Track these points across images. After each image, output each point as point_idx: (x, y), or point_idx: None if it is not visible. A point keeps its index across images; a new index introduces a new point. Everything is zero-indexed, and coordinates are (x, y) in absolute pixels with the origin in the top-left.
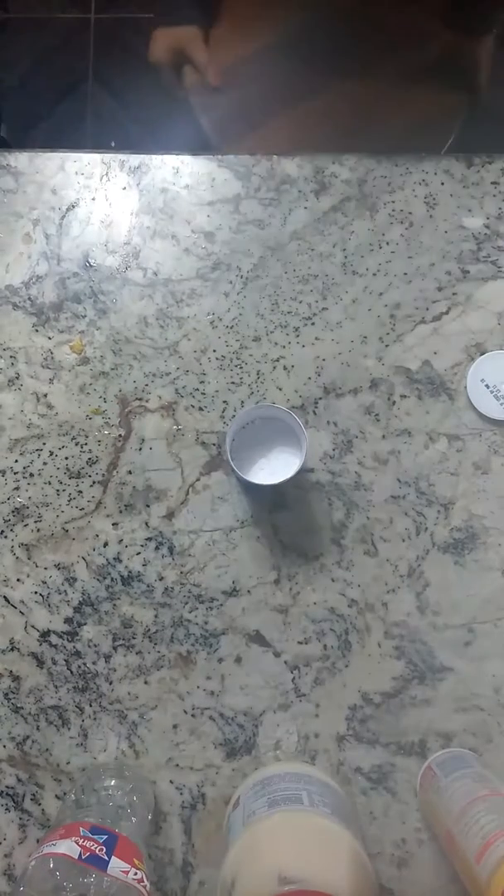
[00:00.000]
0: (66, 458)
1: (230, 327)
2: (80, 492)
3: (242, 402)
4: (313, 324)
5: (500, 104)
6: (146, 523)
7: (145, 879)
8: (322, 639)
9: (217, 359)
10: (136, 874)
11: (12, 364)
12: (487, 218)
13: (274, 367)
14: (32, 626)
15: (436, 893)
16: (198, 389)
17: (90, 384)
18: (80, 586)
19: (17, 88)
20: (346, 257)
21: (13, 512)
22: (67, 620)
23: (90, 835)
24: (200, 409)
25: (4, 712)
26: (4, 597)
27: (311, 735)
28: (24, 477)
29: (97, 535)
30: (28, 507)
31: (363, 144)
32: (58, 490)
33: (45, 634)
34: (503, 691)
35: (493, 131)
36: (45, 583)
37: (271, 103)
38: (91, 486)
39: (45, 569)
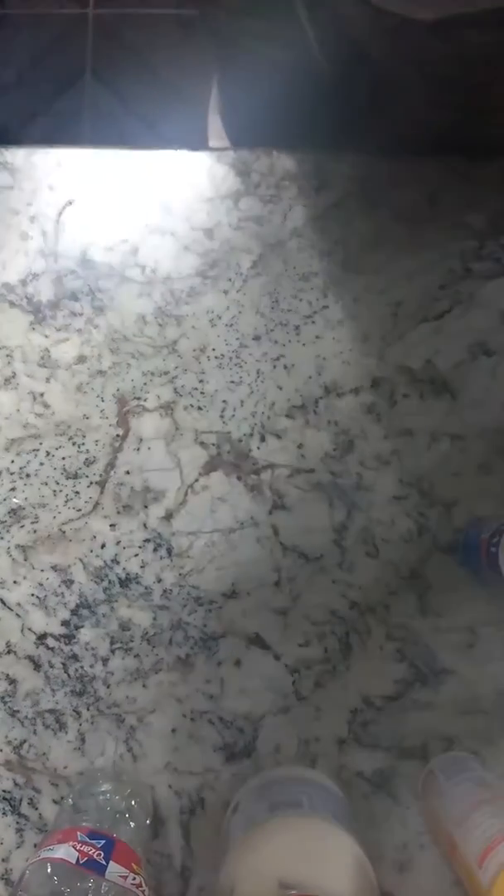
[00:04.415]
0: (63, 459)
1: (229, 325)
2: (78, 492)
3: (242, 401)
4: (314, 322)
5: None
6: (144, 524)
7: (144, 884)
8: (323, 641)
9: (216, 357)
10: (134, 879)
11: (8, 363)
12: (490, 215)
13: (274, 366)
14: (29, 629)
15: None
16: (197, 388)
17: (87, 383)
18: (77, 588)
19: (14, 84)
20: (347, 255)
21: (9, 513)
22: (64, 623)
23: (88, 839)
24: (199, 408)
25: (1, 716)
26: (1, 599)
27: (312, 739)
28: (20, 477)
29: (94, 537)
30: (24, 509)
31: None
32: (55, 491)
33: (41, 637)
34: None
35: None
36: (41, 585)
37: None
38: (88, 486)
39: (42, 571)
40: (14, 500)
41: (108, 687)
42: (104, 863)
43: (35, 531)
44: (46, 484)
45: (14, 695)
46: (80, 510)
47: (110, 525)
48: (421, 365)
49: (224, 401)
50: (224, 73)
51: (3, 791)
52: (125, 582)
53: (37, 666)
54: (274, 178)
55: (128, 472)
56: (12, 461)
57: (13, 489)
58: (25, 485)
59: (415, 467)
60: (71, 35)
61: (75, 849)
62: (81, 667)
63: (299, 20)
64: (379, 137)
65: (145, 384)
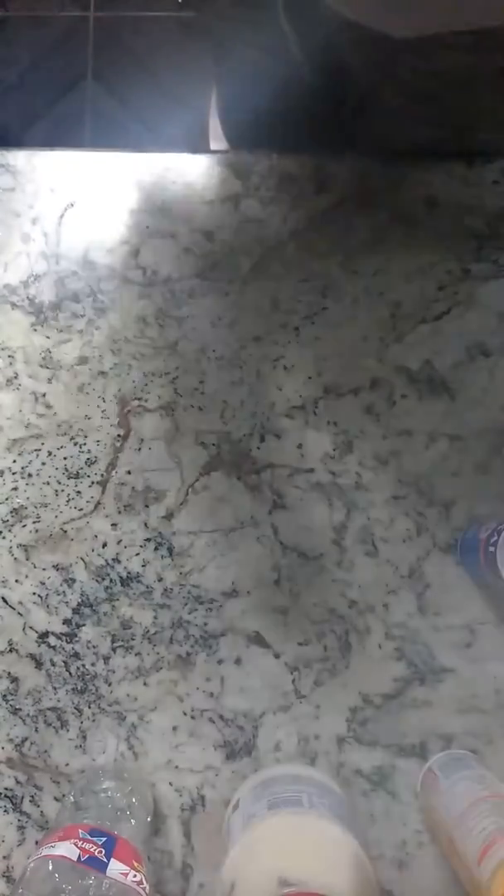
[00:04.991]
0: (65, 459)
1: (230, 327)
2: (79, 492)
3: (242, 401)
4: (313, 323)
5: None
6: (145, 524)
7: (145, 881)
8: (322, 640)
9: (216, 358)
10: (135, 876)
11: (10, 364)
12: (488, 217)
13: (274, 367)
14: (31, 628)
15: None
16: (197, 389)
17: (89, 384)
18: (78, 587)
19: (15, 86)
20: (346, 256)
21: (11, 512)
22: (66, 621)
23: (89, 837)
24: (200, 408)
25: (3, 714)
26: (3, 598)
27: (311, 737)
28: (22, 477)
29: (96, 536)
30: (26, 508)
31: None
32: (56, 490)
33: (43, 636)
34: None
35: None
36: (43, 584)
37: None
38: (90, 486)
39: (44, 570)
40: (16, 499)
41: (109, 685)
42: (105, 860)
43: (37, 530)
44: (48, 484)
45: (16, 693)
46: (81, 510)
47: (112, 524)
48: (419, 366)
49: (224, 401)
50: (221, 75)
51: (5, 789)
52: (126, 581)
53: (38, 664)
54: (273, 180)
55: (129, 472)
56: (14, 461)
57: (15, 489)
58: (27, 484)
59: (413, 467)
60: (72, 38)
61: (76, 846)
62: (83, 665)
63: (282, 29)
64: (370, 143)
65: (146, 385)
